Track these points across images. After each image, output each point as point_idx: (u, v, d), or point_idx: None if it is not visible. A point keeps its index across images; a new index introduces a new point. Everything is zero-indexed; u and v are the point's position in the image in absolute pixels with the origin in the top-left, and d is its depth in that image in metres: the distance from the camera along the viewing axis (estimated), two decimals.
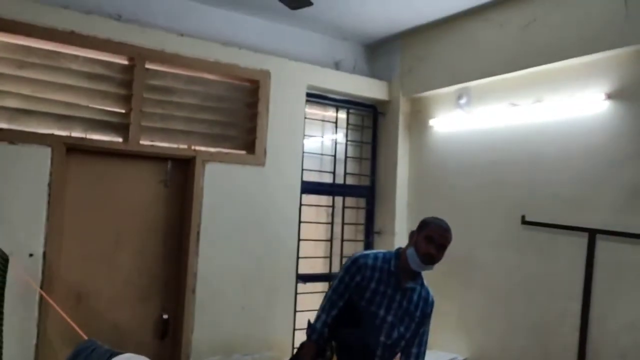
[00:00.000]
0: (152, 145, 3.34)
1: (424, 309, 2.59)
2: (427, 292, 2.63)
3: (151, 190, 3.43)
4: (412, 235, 2.57)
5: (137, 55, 3.28)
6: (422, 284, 2.63)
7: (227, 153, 3.62)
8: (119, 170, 3.33)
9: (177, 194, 3.51)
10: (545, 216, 3.23)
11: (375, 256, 2.61)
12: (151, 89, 3.36)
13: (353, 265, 2.60)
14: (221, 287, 3.53)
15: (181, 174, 3.52)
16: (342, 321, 2.58)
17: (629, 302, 2.85)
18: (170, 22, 3.53)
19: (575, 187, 3.14)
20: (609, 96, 2.99)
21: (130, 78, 3.27)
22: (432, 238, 2.48)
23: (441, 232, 2.50)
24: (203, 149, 3.52)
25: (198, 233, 3.46)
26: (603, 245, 2.95)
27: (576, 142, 3.17)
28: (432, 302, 2.63)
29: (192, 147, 3.48)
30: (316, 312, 2.66)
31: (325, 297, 2.65)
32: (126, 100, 3.27)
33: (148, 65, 3.34)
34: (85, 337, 1.98)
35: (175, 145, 3.45)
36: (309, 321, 2.66)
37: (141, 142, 3.30)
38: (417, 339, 2.59)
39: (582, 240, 3.02)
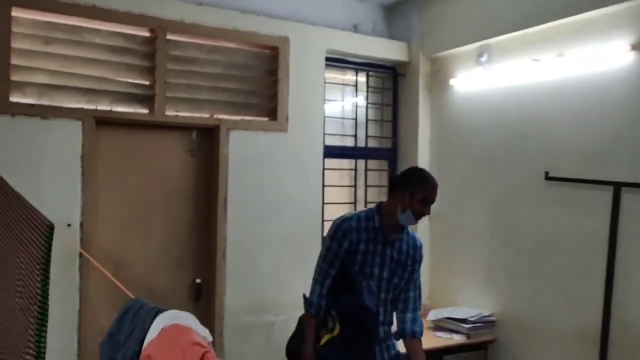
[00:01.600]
0: (177, 116, 3.41)
1: (414, 256, 2.64)
2: (414, 239, 2.68)
3: (179, 160, 3.52)
4: (402, 195, 2.48)
5: (157, 27, 3.32)
6: (407, 232, 2.66)
7: (249, 120, 3.68)
8: (147, 141, 3.41)
9: (204, 163, 3.59)
10: (569, 171, 3.24)
11: (358, 217, 2.58)
12: (174, 59, 3.41)
13: (338, 232, 2.54)
14: (251, 251, 3.64)
15: (206, 142, 3.59)
16: (339, 289, 2.53)
17: None
18: None
19: (599, 142, 3.13)
20: (634, 47, 2.96)
21: (152, 50, 3.32)
22: (428, 200, 2.50)
23: (435, 192, 2.52)
24: (226, 117, 3.58)
25: (225, 199, 3.55)
26: (628, 198, 2.96)
27: (600, 96, 3.14)
28: (421, 247, 2.69)
29: (216, 116, 3.54)
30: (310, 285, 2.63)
31: (316, 268, 2.61)
32: (150, 72, 3.33)
33: (169, 36, 3.38)
34: (133, 297, 2.10)
35: (199, 115, 3.51)
36: (304, 295, 2.62)
37: (166, 112, 3.37)
38: (412, 284, 2.65)
39: (607, 194, 3.03)
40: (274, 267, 3.73)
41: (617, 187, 2.96)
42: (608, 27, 3.09)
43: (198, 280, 3.53)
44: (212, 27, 3.50)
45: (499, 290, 3.77)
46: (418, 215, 2.51)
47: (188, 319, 1.77)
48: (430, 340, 3.57)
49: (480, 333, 3.70)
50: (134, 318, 1.89)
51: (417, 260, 2.65)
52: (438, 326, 3.80)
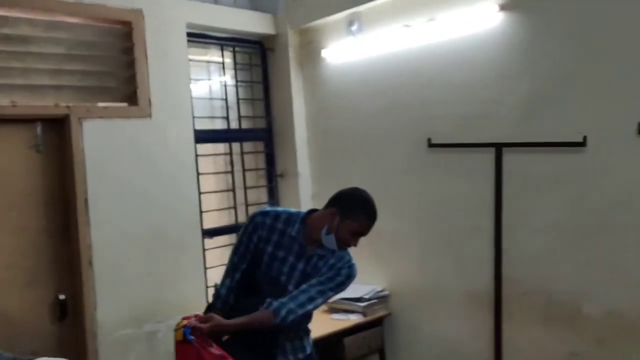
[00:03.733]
0: (13, 106, 2.86)
1: (325, 271, 2.25)
2: (342, 263, 2.26)
3: (22, 159, 2.97)
4: (333, 215, 2.20)
5: None
6: (334, 252, 2.27)
7: (106, 107, 3.20)
8: None
9: (55, 159, 3.07)
10: (451, 137, 3.22)
11: (277, 215, 2.31)
12: (3, 39, 2.85)
13: (250, 224, 2.33)
14: (122, 255, 3.20)
15: (55, 135, 3.07)
16: (244, 288, 2.35)
17: (537, 210, 2.94)
18: None
19: (476, 105, 3.13)
20: (502, 7, 2.97)
21: None
22: (359, 234, 2.23)
23: (370, 228, 2.25)
24: (77, 104, 3.08)
25: (86, 200, 3.07)
26: (509, 159, 3.00)
27: (473, 59, 3.13)
28: (347, 273, 2.25)
29: (64, 104, 3.03)
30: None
31: (228, 259, 2.42)
32: None
33: None
34: None
35: (42, 104, 2.98)
36: (215, 285, 2.43)
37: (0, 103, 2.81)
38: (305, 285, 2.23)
39: (488, 156, 3.05)
40: (149, 269, 3.33)
41: (499, 148, 2.98)
42: None
43: (62, 297, 3.03)
44: None
45: (387, 263, 3.72)
46: (342, 244, 2.22)
47: None
48: (329, 324, 3.44)
49: (375, 309, 3.63)
50: None
51: (329, 276, 2.24)
52: (333, 308, 3.66)
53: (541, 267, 2.95)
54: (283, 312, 2.12)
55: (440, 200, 3.36)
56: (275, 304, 2.14)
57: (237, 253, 2.37)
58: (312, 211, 2.35)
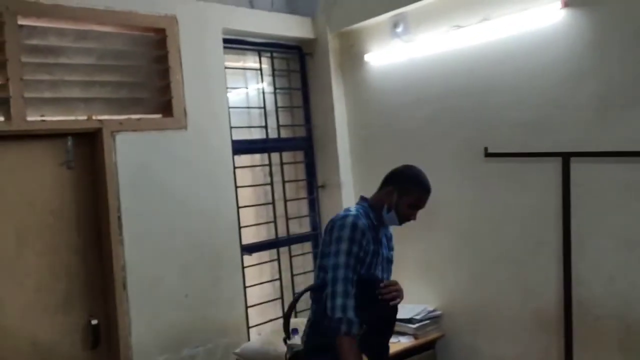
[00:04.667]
0: (43, 121, 2.71)
1: (391, 246, 2.51)
2: (388, 229, 2.49)
3: (53, 175, 2.82)
4: (391, 193, 2.31)
5: (4, 10, 2.60)
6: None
7: (139, 119, 3.04)
8: (6, 156, 2.69)
9: (86, 175, 2.92)
10: (510, 145, 2.93)
11: (358, 215, 2.25)
12: (31, 50, 2.71)
13: (357, 232, 2.16)
14: (157, 276, 3.02)
15: (87, 150, 2.92)
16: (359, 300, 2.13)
17: (610, 226, 2.65)
18: None
19: (539, 109, 2.85)
20: (567, 4, 2.68)
21: (0, 40, 2.60)
22: (417, 206, 2.33)
23: (426, 199, 2.34)
24: (109, 117, 2.92)
25: (119, 218, 2.91)
26: (578, 168, 2.69)
27: (533, 60, 2.86)
28: (392, 234, 2.53)
29: (95, 117, 2.88)
30: (330, 300, 2.10)
31: (335, 279, 2.10)
32: (0, 68, 2.60)
33: (21, 22, 2.67)
34: None
35: (73, 118, 2.83)
36: (334, 314, 2.07)
37: (28, 118, 2.66)
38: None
39: (553, 165, 2.75)
40: (186, 289, 3.14)
41: (566, 157, 2.67)
42: None
43: (94, 322, 2.86)
44: (77, 7, 2.82)
45: (440, 280, 3.46)
46: (403, 218, 2.33)
47: None
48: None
49: (427, 331, 3.36)
50: None
51: (392, 249, 2.51)
52: None
53: (616, 288, 2.64)
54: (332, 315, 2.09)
55: (498, 213, 3.09)
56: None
57: (351, 268, 2.13)
58: (364, 198, 2.41)
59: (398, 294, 2.26)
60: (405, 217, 2.33)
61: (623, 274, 2.63)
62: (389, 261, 2.46)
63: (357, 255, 2.14)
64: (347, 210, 2.29)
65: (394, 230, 2.52)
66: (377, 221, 2.32)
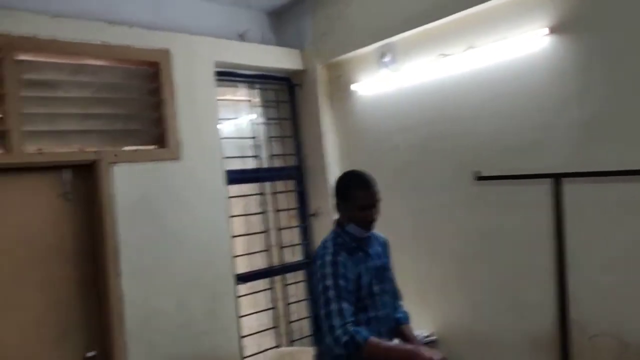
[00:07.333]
0: (40, 153, 2.73)
1: (386, 252, 2.49)
2: (379, 236, 2.51)
3: (50, 207, 2.82)
4: (340, 208, 2.30)
5: (3, 45, 2.64)
6: (372, 234, 2.42)
7: (135, 151, 3.07)
8: (4, 188, 2.69)
9: (84, 207, 2.92)
10: (500, 169, 3.01)
11: (330, 245, 2.23)
12: (29, 84, 2.73)
13: (333, 266, 2.13)
14: (154, 308, 3.01)
15: (85, 182, 2.92)
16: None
17: (604, 245, 2.71)
18: (40, 3, 2.89)
19: (527, 133, 2.93)
20: (553, 30, 2.80)
21: None
22: (365, 206, 2.23)
23: (370, 195, 2.25)
24: (106, 149, 2.94)
25: (116, 249, 2.90)
26: (570, 189, 2.78)
27: (520, 86, 2.95)
28: (387, 240, 2.55)
29: (92, 149, 2.90)
30: (326, 321, 2.07)
31: (328, 300, 2.08)
32: None
33: (20, 57, 2.71)
34: None
35: (70, 150, 2.85)
36: (345, 341, 2.01)
37: (26, 150, 2.67)
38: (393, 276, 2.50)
39: (544, 187, 2.83)
40: (182, 320, 3.13)
41: (557, 179, 2.76)
42: (520, 13, 2.91)
43: (91, 354, 2.83)
44: (74, 42, 2.87)
45: (434, 306, 3.47)
46: (362, 224, 2.25)
47: None
48: None
49: None
50: None
51: (389, 253, 2.51)
52: None
53: (612, 307, 2.70)
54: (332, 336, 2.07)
55: (491, 237, 3.13)
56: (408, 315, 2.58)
57: (344, 298, 2.10)
58: (338, 225, 2.34)
59: None
60: (363, 221, 2.24)
61: (617, 291, 2.68)
62: (385, 269, 2.40)
63: (344, 287, 2.11)
64: (323, 241, 2.29)
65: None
66: (355, 239, 2.27)
